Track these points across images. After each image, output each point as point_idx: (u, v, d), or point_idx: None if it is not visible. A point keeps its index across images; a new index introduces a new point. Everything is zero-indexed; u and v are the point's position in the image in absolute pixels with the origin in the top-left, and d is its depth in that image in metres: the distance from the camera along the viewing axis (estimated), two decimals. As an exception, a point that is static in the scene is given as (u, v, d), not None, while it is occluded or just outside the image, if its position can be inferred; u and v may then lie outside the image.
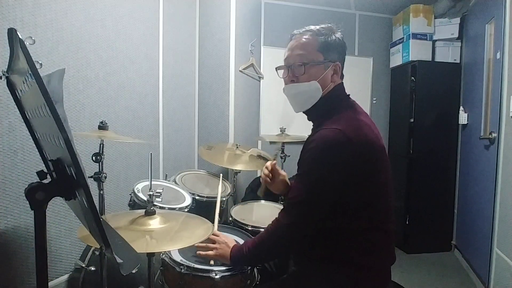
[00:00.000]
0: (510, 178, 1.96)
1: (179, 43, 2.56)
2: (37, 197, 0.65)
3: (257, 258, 1.18)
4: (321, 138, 1.03)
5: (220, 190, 1.44)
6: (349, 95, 1.20)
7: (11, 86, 0.90)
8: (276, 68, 1.24)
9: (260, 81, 3.07)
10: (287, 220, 1.09)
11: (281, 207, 1.17)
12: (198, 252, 1.23)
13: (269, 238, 1.13)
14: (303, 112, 1.21)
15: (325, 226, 1.09)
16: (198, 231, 1.17)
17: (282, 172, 1.35)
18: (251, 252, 1.15)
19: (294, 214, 1.08)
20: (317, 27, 1.16)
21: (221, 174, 1.51)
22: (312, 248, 1.14)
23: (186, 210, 1.67)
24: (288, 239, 1.11)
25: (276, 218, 1.14)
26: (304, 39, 1.14)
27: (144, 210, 1.20)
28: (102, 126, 1.48)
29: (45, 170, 0.69)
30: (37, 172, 0.68)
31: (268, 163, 1.34)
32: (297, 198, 1.08)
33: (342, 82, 1.21)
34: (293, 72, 1.15)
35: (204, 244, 1.23)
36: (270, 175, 1.33)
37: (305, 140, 1.15)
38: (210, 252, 1.21)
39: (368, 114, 1.18)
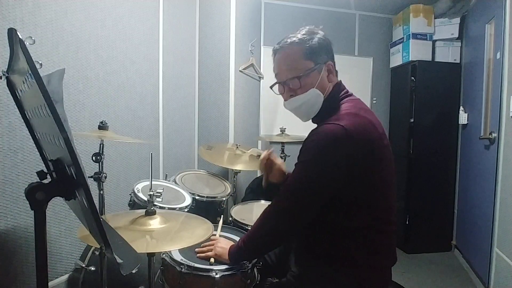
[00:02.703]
0: (510, 178, 1.96)
1: (179, 43, 2.56)
2: (37, 197, 0.65)
3: (253, 249, 1.17)
4: (323, 131, 1.03)
5: (220, 225, 1.46)
6: (351, 93, 1.20)
7: (11, 86, 0.90)
8: (270, 87, 1.24)
9: (260, 81, 3.07)
10: (280, 205, 1.10)
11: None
12: (198, 255, 1.25)
13: (262, 225, 1.14)
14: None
15: (325, 224, 1.09)
16: (198, 231, 1.17)
17: (278, 160, 1.37)
18: (247, 243, 1.16)
19: (287, 200, 1.08)
20: (298, 35, 1.13)
21: (221, 216, 1.58)
22: (312, 247, 1.14)
23: (186, 210, 1.68)
24: (281, 225, 1.10)
25: (269, 205, 1.14)
26: (289, 52, 1.13)
27: (144, 210, 1.20)
28: (102, 126, 1.48)
29: (45, 170, 0.69)
30: (37, 172, 0.68)
31: (265, 152, 1.36)
32: (293, 184, 1.08)
33: (340, 80, 1.20)
34: (289, 87, 1.14)
35: (203, 249, 1.25)
36: (268, 159, 1.35)
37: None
38: (209, 253, 1.23)
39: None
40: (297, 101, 1.15)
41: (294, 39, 1.13)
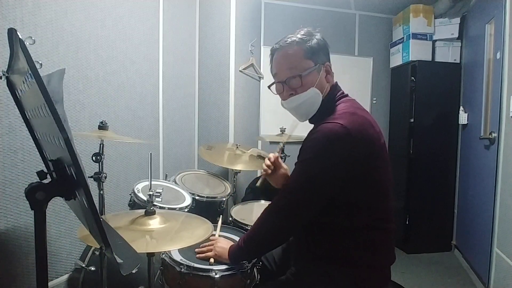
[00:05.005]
0: (510, 178, 1.96)
1: (179, 43, 2.56)
2: (37, 197, 0.65)
3: (253, 248, 1.17)
4: (324, 130, 1.03)
5: (219, 224, 1.46)
6: (347, 94, 1.20)
7: (11, 86, 0.90)
8: (268, 86, 1.23)
9: (260, 81, 3.07)
10: (280, 204, 1.10)
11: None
12: (198, 255, 1.25)
13: (262, 224, 1.14)
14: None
15: (325, 224, 1.09)
16: (198, 231, 1.17)
17: (284, 166, 1.34)
18: (247, 242, 1.16)
19: (288, 198, 1.09)
20: (298, 35, 1.15)
21: (221, 216, 1.58)
22: (312, 246, 1.14)
23: (186, 210, 1.68)
24: (281, 223, 1.10)
25: (269, 204, 1.15)
26: (289, 52, 1.14)
27: (144, 210, 1.20)
28: (102, 126, 1.48)
29: (45, 170, 0.69)
30: (37, 172, 0.68)
31: (271, 155, 1.32)
32: (294, 183, 1.09)
33: (336, 82, 1.21)
34: (290, 86, 1.14)
35: (203, 249, 1.26)
36: (272, 166, 1.31)
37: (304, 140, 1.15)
38: (209, 253, 1.23)
39: (368, 114, 1.18)
40: (297, 100, 1.15)
41: (294, 38, 1.14)
